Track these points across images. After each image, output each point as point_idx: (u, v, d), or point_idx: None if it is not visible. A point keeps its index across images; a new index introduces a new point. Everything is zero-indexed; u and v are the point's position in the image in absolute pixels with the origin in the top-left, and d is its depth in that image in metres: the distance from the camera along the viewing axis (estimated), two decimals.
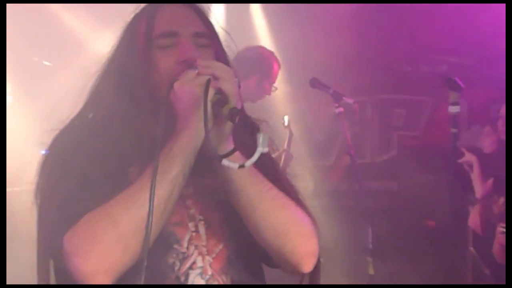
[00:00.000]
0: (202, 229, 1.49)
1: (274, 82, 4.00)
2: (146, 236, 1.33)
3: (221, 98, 1.36)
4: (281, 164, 3.67)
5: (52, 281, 1.49)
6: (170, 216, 1.42)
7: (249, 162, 1.30)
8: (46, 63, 4.71)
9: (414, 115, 5.51)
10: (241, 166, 1.31)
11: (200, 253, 1.47)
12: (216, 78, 1.38)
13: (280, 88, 5.45)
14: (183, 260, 1.46)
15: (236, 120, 1.32)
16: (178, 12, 1.55)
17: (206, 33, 1.53)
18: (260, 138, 1.28)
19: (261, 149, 1.28)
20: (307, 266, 1.50)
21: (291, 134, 4.25)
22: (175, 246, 1.46)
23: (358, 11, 5.13)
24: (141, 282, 1.32)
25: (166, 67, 1.47)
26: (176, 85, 1.40)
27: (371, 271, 3.50)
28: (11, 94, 4.65)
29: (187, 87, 1.39)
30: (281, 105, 5.40)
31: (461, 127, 3.06)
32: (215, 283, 1.46)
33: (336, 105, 3.44)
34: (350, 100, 3.49)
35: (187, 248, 1.47)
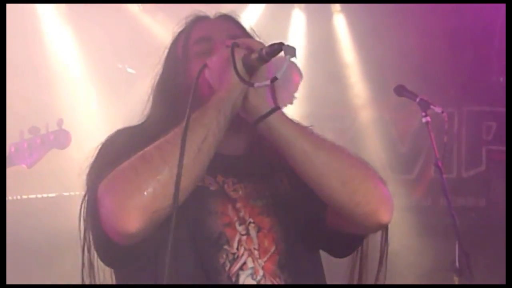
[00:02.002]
0: (253, 232, 1.51)
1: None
2: (178, 175, 1.33)
3: (248, 52, 1.44)
4: None
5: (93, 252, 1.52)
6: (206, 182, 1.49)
7: (279, 73, 1.34)
8: (130, 70, 4.79)
9: (505, 128, 5.23)
10: (274, 79, 1.35)
11: (250, 255, 1.49)
12: (242, 43, 1.46)
13: (361, 97, 5.33)
14: (233, 261, 1.48)
15: (264, 53, 1.38)
16: (212, 22, 1.68)
17: (241, 35, 1.60)
18: (286, 49, 1.35)
19: (288, 57, 1.34)
20: (386, 214, 1.46)
21: None
22: (225, 246, 1.48)
23: (445, 18, 4.94)
24: (172, 224, 1.30)
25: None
26: (208, 60, 1.49)
27: None
28: (95, 100, 4.77)
29: (218, 56, 1.48)
30: (364, 113, 5.27)
31: None
32: (268, 283, 1.48)
33: (424, 114, 3.26)
34: (438, 109, 3.29)
35: (237, 249, 1.49)
